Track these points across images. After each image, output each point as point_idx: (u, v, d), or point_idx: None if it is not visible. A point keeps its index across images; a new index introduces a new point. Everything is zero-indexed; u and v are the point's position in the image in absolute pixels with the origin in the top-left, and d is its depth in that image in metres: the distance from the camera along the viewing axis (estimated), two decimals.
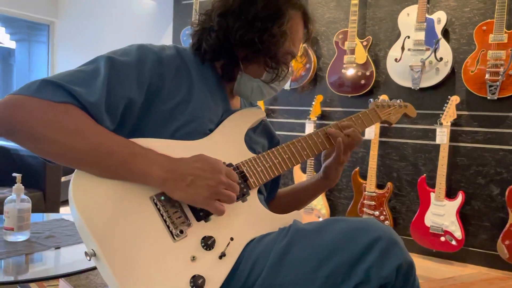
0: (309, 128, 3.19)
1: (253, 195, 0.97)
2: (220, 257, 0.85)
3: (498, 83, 2.62)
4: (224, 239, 0.87)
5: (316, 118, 3.20)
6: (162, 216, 0.83)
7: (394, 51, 2.95)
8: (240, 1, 0.99)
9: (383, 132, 3.09)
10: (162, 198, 0.84)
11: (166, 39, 4.33)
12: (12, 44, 5.90)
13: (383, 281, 0.79)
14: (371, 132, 2.99)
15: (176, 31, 4.09)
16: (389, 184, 3.00)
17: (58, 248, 1.48)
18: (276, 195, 1.22)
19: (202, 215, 0.87)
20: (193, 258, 0.83)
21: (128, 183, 0.83)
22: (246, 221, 0.93)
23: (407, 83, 2.91)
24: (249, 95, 1.07)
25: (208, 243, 0.84)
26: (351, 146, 1.12)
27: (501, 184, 2.73)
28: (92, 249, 0.77)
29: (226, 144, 0.99)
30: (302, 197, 1.22)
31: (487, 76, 2.64)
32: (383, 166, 3.11)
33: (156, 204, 0.83)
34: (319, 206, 3.23)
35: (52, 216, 1.98)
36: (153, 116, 0.92)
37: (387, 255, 0.79)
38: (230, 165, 0.95)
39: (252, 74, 1.03)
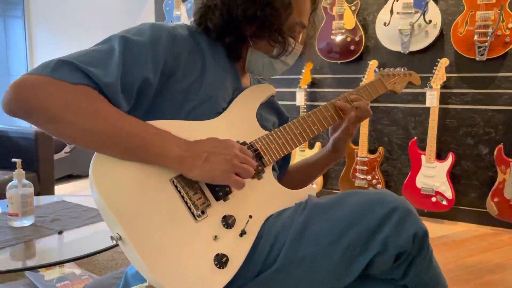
0: (300, 97, 3.18)
1: (268, 172, 0.98)
2: (241, 235, 0.87)
3: (486, 44, 2.64)
4: (243, 217, 0.89)
5: (306, 86, 3.20)
6: (183, 198, 0.84)
7: (383, 15, 2.93)
8: None
9: None
10: (181, 180, 0.85)
11: (148, 10, 4.20)
12: None
13: (400, 250, 0.82)
14: None
15: (158, 2, 3.97)
16: (380, 149, 3.04)
17: (61, 232, 1.49)
18: (287, 171, 1.23)
19: (221, 194, 0.87)
20: (215, 237, 0.84)
21: (148, 166, 0.83)
22: (263, 199, 0.94)
23: (397, 47, 2.91)
24: (261, 71, 1.06)
25: (228, 222, 0.86)
26: (360, 118, 1.12)
27: (490, 143, 2.80)
28: (118, 233, 0.77)
29: (239, 122, 0.99)
30: (312, 171, 1.23)
31: (475, 37, 2.65)
32: (374, 131, 3.15)
33: (176, 187, 0.84)
34: None
35: (48, 199, 1.96)
36: (167, 96, 0.92)
37: (403, 225, 0.81)
38: (244, 143, 0.96)
39: (262, 50, 1.02)
